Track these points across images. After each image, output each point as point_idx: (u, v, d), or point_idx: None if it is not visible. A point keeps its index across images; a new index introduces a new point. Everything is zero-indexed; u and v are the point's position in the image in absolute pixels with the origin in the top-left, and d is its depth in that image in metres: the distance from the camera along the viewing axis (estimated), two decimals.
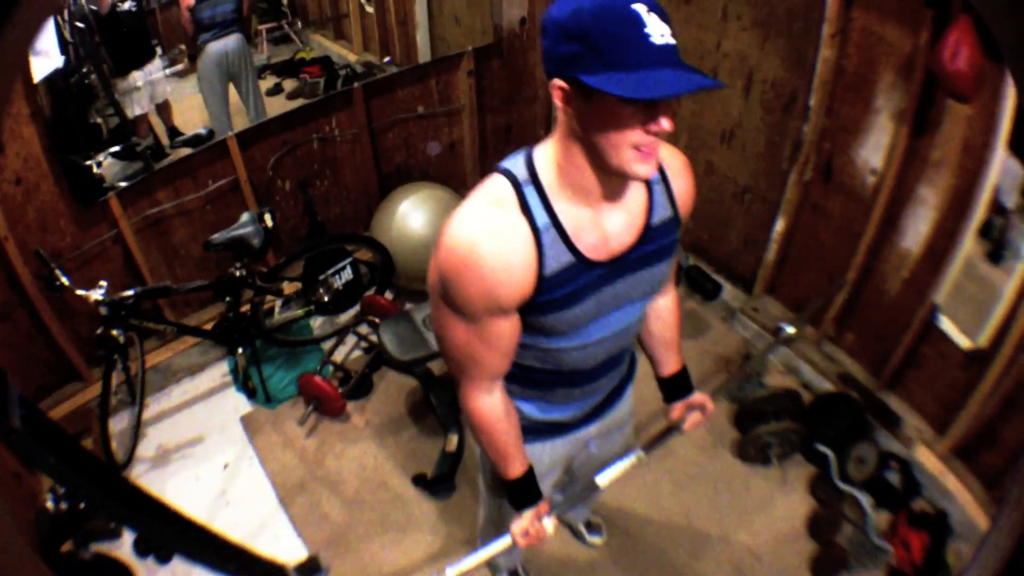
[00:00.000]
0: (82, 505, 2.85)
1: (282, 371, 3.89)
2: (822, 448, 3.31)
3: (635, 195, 1.55)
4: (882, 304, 3.33)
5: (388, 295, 4.20)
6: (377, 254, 4.08)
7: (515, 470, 1.79)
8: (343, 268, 4.01)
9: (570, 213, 1.46)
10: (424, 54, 4.57)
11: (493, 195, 1.45)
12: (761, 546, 3.14)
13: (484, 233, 1.40)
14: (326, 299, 4.01)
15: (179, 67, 3.80)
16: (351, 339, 4.08)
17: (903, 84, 2.90)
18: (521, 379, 1.76)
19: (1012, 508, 0.92)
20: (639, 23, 1.23)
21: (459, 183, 4.82)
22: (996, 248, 2.69)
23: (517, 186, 1.45)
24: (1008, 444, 2.84)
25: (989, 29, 2.10)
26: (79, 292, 3.05)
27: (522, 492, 1.83)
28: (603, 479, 1.92)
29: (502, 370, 1.64)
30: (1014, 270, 2.61)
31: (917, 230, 3.05)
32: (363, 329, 4.03)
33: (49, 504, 2.86)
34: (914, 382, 3.28)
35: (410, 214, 4.12)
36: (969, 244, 2.75)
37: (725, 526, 3.22)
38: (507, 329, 1.53)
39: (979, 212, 2.66)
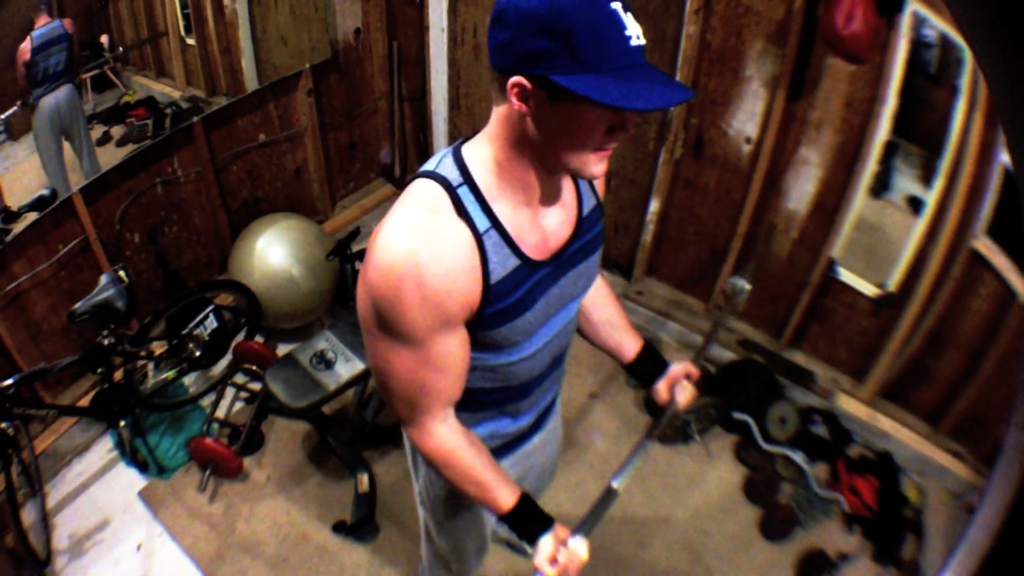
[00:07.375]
0: None
1: (168, 437, 3.58)
2: (740, 416, 3.37)
3: (566, 188, 1.49)
4: (772, 267, 3.42)
5: (259, 339, 3.94)
6: (240, 297, 3.82)
7: (506, 498, 1.58)
8: (206, 317, 3.72)
9: (509, 214, 1.37)
10: (251, 81, 4.35)
11: (424, 201, 1.33)
12: (704, 520, 3.17)
13: (421, 242, 1.27)
14: (197, 353, 3.71)
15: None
16: (230, 391, 3.80)
17: (776, 50, 2.97)
18: (468, 404, 1.62)
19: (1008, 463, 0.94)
20: (620, 24, 1.16)
21: (309, 209, 4.63)
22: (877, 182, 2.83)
23: (450, 189, 1.33)
24: (942, 377, 2.98)
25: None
26: None
27: (527, 520, 1.61)
28: (619, 483, 1.75)
29: (456, 395, 1.51)
30: (898, 205, 2.74)
31: (803, 190, 3.15)
32: (240, 379, 3.76)
33: None
34: (819, 336, 3.40)
35: (268, 250, 3.88)
36: (862, 196, 2.85)
37: (662, 509, 3.22)
38: (457, 346, 1.41)
39: (871, 163, 2.76)
